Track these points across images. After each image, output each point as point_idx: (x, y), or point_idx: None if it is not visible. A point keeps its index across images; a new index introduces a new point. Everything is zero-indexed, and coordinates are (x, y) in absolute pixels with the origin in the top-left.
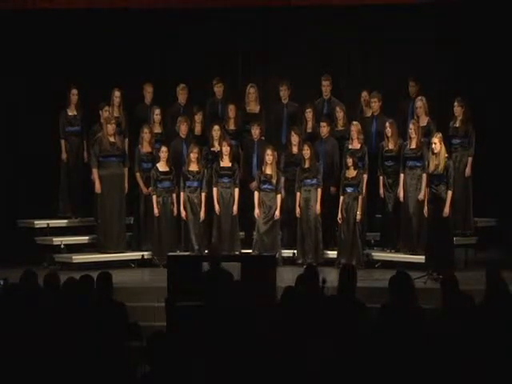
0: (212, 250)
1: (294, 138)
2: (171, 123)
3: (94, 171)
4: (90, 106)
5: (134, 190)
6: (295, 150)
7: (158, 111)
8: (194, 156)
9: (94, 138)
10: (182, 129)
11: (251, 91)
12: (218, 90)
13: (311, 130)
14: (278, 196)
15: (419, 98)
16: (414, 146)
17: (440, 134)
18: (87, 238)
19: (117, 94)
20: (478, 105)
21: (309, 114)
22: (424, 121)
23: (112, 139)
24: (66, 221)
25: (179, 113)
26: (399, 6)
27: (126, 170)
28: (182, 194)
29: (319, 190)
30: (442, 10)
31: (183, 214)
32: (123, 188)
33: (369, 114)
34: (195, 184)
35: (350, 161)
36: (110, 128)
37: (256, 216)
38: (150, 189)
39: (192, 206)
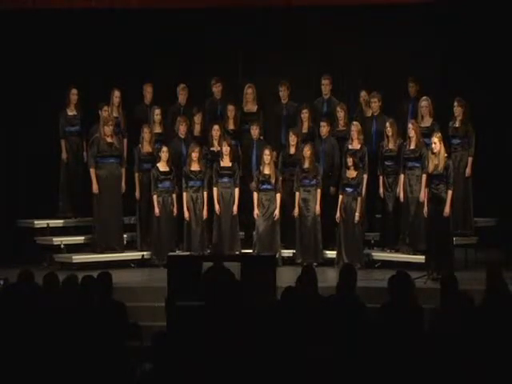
0: (215, 249)
1: (292, 139)
2: (171, 123)
3: (92, 171)
4: (89, 105)
5: (135, 190)
6: (293, 150)
7: (158, 111)
8: (195, 155)
9: (92, 139)
10: (181, 129)
11: (249, 91)
12: (217, 89)
13: (307, 130)
14: (278, 195)
15: (424, 98)
16: (413, 146)
17: (439, 134)
18: (87, 237)
19: (116, 93)
20: (478, 105)
21: (305, 114)
22: (428, 121)
23: (109, 140)
24: (65, 221)
25: (179, 113)
26: (399, 5)
27: (123, 171)
28: (184, 194)
29: (318, 191)
30: (442, 10)
31: (186, 214)
32: (120, 188)
33: (369, 114)
34: (197, 183)
35: (350, 161)
36: (107, 129)
37: (255, 216)
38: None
39: (195, 205)
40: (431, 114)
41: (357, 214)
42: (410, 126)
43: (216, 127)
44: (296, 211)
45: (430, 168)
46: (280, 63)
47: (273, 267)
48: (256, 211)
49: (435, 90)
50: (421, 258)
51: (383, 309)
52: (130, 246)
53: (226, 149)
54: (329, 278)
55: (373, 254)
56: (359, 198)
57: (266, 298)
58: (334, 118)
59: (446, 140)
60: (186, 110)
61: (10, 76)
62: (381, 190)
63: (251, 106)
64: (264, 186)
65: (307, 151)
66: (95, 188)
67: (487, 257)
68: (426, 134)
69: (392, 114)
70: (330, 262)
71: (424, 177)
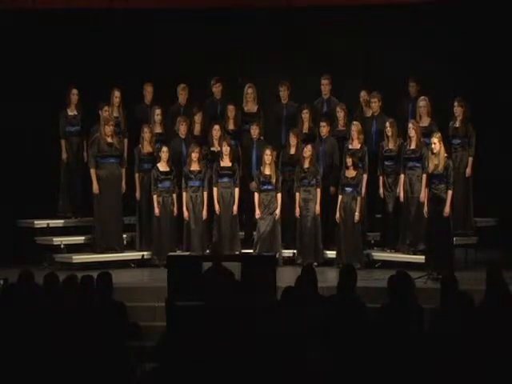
0: (214, 249)
1: (292, 139)
2: (171, 123)
3: (92, 171)
4: (89, 106)
5: (135, 190)
6: (293, 150)
7: (158, 111)
8: (195, 156)
9: (92, 139)
10: (182, 129)
11: (249, 91)
12: (217, 90)
13: (307, 130)
14: (279, 195)
15: (422, 97)
16: (413, 146)
17: (439, 134)
18: (87, 237)
19: (116, 93)
20: (478, 105)
21: (305, 114)
22: (426, 121)
23: (109, 140)
24: (65, 221)
25: (179, 113)
26: (399, 5)
27: (123, 171)
28: (184, 193)
29: (318, 190)
30: (442, 10)
31: (186, 214)
32: (120, 188)
33: (369, 114)
34: (197, 183)
35: (349, 161)
36: (108, 129)
37: (257, 217)
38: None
39: (194, 205)
40: (429, 114)
41: (356, 213)
42: (410, 125)
43: (216, 127)
44: (297, 211)
45: (430, 168)
46: (280, 63)
47: (273, 267)
48: (257, 211)
49: (435, 90)
50: (421, 258)
51: (383, 309)
52: (130, 246)
53: (225, 149)
54: (329, 278)
55: (373, 253)
56: (359, 198)
57: (266, 298)
58: (333, 118)
59: (446, 140)
60: (186, 110)
61: (10, 76)
62: (381, 190)
63: (251, 106)
64: (265, 187)
65: (307, 151)
66: (95, 188)
67: (487, 257)
68: (424, 133)
69: (392, 114)
70: (329, 262)
71: (424, 177)
